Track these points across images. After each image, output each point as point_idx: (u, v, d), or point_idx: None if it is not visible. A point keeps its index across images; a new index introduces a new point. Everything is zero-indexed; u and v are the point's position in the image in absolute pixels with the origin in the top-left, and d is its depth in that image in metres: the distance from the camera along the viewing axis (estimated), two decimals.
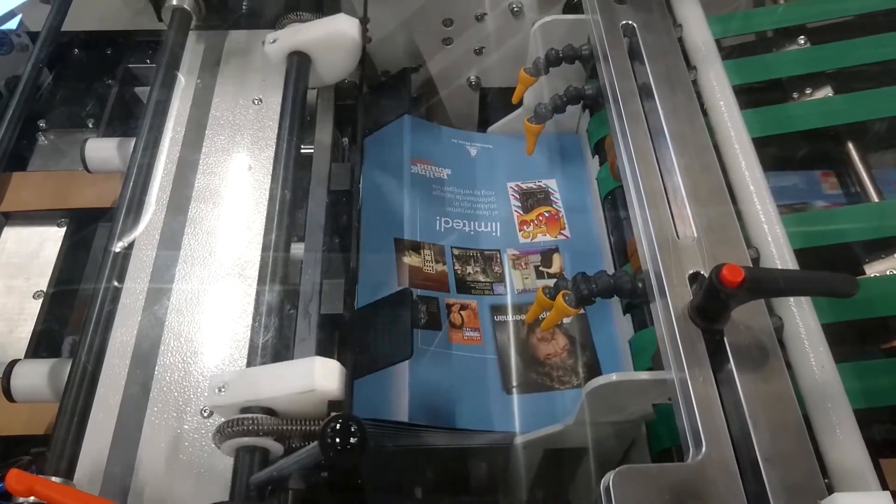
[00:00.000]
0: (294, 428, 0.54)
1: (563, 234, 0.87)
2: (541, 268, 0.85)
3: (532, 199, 0.91)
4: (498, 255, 0.87)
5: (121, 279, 0.65)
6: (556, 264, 0.85)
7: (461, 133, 0.99)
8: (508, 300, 0.83)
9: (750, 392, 0.50)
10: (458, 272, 0.85)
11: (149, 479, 0.59)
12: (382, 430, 0.69)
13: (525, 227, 0.89)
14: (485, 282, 0.84)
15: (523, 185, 0.93)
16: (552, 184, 0.92)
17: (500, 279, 0.85)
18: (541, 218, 0.89)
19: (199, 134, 0.80)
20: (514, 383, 0.76)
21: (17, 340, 0.78)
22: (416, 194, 0.89)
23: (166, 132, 0.77)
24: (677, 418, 0.51)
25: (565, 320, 0.77)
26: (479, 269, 0.85)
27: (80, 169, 0.81)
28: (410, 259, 0.83)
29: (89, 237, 0.85)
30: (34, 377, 0.65)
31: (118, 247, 0.65)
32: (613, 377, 0.57)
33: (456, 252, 0.86)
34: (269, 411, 0.55)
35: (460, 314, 0.81)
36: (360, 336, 0.71)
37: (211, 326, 0.67)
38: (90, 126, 0.96)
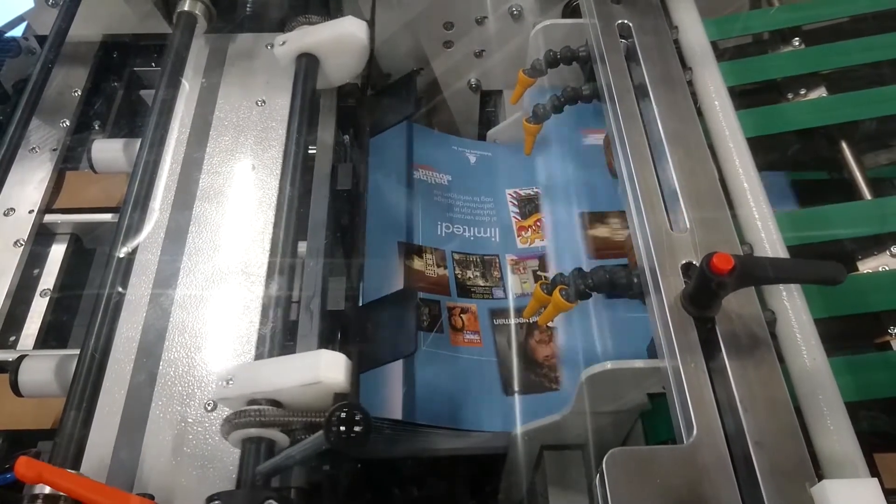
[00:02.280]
0: (300, 419, 0.55)
1: None
2: (539, 272, 0.86)
3: (530, 206, 0.92)
4: (497, 260, 0.88)
5: (126, 275, 0.66)
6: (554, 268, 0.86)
7: (461, 140, 1.01)
8: (509, 304, 0.84)
9: (740, 378, 0.51)
10: (459, 276, 0.86)
11: (154, 471, 0.59)
12: (383, 427, 0.70)
13: (523, 233, 0.90)
14: (484, 286, 0.86)
15: (521, 192, 0.94)
16: None
17: (500, 283, 0.86)
18: (538, 224, 0.90)
19: (203, 134, 0.82)
20: (514, 385, 0.77)
21: (24, 338, 0.79)
22: (418, 199, 0.90)
23: (171, 132, 0.78)
24: (670, 405, 0.52)
25: None
26: (478, 274, 0.87)
27: (86, 169, 0.83)
28: (412, 263, 0.84)
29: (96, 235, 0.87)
30: (42, 372, 0.66)
31: (124, 244, 0.66)
32: (608, 365, 0.59)
33: (456, 257, 0.87)
34: (276, 403, 0.56)
35: (461, 317, 0.82)
36: (364, 331, 0.72)
37: (215, 322, 0.68)
38: (96, 127, 0.98)
